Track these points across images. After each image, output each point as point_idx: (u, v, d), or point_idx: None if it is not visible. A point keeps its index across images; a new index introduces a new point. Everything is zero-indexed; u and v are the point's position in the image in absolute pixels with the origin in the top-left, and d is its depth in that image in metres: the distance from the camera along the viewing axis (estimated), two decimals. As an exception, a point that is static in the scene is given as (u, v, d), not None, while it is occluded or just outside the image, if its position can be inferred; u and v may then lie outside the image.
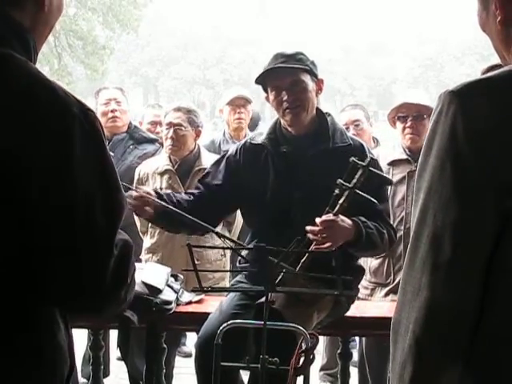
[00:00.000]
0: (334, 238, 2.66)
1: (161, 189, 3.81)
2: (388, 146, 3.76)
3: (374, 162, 2.82)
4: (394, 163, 3.65)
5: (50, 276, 1.26)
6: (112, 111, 4.35)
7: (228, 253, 3.88)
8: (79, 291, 1.28)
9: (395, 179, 3.56)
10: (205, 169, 3.81)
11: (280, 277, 2.49)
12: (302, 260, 2.65)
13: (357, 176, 2.65)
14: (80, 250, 1.24)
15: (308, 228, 2.65)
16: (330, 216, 2.66)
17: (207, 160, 3.88)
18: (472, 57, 48.29)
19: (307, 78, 2.87)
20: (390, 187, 3.47)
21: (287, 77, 2.84)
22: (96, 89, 4.66)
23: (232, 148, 3.12)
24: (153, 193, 2.85)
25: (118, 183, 1.32)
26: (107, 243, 1.28)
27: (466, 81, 1.26)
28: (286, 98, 2.84)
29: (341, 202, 2.66)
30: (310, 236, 2.65)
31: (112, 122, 4.32)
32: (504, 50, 1.35)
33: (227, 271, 3.97)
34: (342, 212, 2.68)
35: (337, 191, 2.66)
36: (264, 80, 2.92)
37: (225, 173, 3.01)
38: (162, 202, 2.79)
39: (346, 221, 2.69)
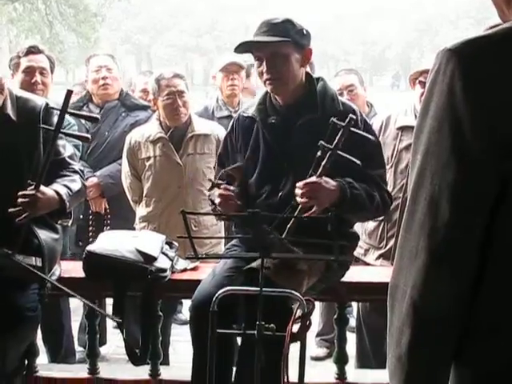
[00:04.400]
0: (320, 200, 2.63)
1: (154, 157, 3.80)
2: (401, 110, 3.65)
3: (359, 122, 2.76)
4: (403, 128, 3.55)
5: None
6: (103, 78, 4.29)
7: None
8: None
9: (402, 145, 3.52)
10: (198, 135, 3.85)
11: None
12: (288, 226, 2.62)
13: (338, 136, 2.61)
14: None
15: (296, 191, 2.63)
16: (313, 178, 2.64)
17: (199, 126, 3.88)
18: (467, 20, 47.96)
19: (289, 49, 2.78)
20: (395, 153, 3.50)
21: (267, 47, 2.78)
22: (88, 57, 4.61)
23: (229, 124, 3.12)
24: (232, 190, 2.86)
25: None
26: None
27: (464, 38, 1.22)
28: (265, 69, 2.80)
29: (323, 163, 2.63)
30: (298, 200, 2.63)
31: (103, 89, 4.27)
32: (504, 5, 1.31)
33: (222, 238, 3.95)
34: (326, 174, 2.64)
35: (319, 153, 2.63)
36: (250, 49, 2.86)
37: (231, 152, 3.03)
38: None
39: (329, 182, 2.66)
